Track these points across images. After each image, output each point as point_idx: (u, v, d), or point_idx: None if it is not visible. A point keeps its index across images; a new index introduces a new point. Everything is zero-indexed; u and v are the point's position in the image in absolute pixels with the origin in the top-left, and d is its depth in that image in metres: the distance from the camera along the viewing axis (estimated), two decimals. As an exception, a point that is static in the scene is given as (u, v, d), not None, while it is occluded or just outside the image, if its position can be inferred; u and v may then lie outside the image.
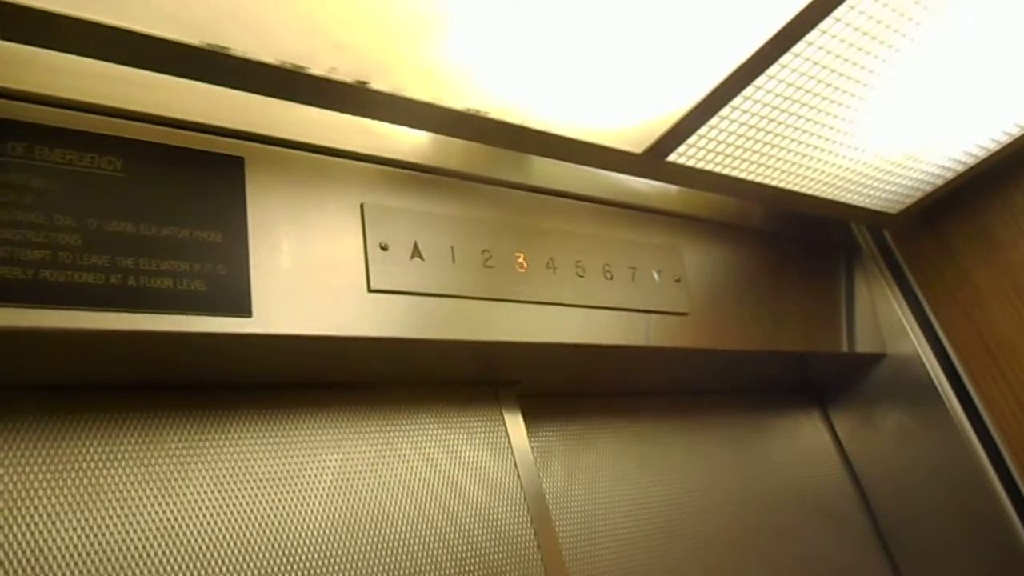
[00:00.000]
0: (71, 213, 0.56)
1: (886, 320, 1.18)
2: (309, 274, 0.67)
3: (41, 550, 0.57)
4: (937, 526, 1.12)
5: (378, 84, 0.65)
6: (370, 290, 0.70)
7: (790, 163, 0.92)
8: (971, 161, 1.03)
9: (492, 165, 0.83)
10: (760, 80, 0.76)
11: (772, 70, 0.75)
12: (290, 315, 0.64)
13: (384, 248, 0.72)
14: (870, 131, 0.90)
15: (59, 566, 0.58)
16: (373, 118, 0.70)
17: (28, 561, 0.57)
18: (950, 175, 1.05)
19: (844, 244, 1.23)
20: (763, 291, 1.06)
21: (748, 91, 0.77)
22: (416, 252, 0.74)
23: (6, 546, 0.56)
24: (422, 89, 0.67)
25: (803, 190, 0.98)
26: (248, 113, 0.67)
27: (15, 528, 0.57)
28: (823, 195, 1.01)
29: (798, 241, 1.16)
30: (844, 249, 1.23)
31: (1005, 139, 0.99)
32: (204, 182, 0.64)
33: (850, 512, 1.19)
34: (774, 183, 0.95)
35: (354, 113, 0.68)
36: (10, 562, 0.56)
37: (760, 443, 1.17)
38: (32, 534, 0.58)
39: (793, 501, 1.13)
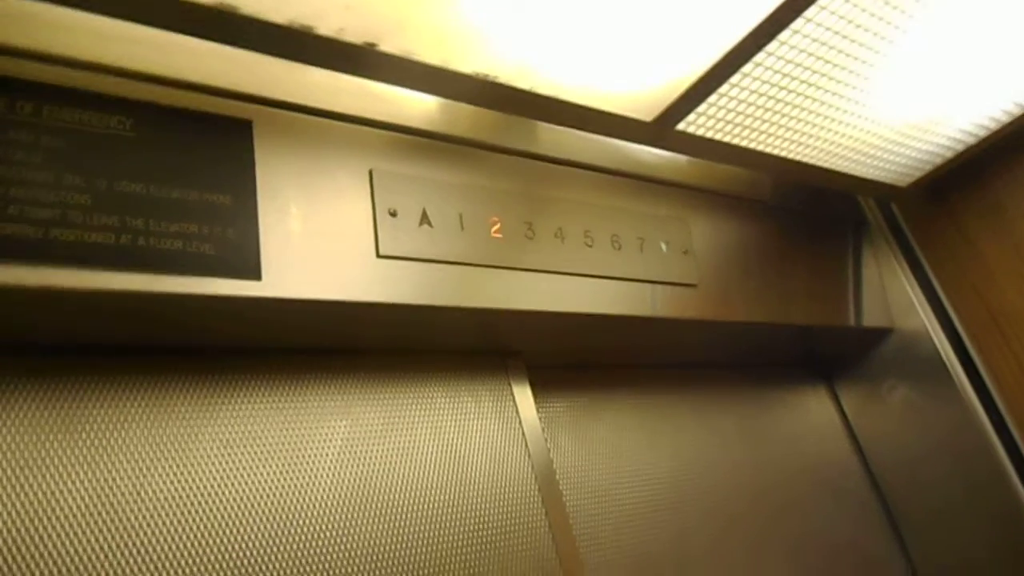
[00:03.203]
0: (81, 173, 0.56)
1: (893, 294, 1.17)
2: (318, 239, 0.67)
3: (52, 510, 0.58)
4: (942, 501, 1.12)
5: (387, 46, 0.64)
6: (379, 256, 0.70)
7: (800, 133, 0.91)
8: (982, 133, 1.02)
9: (502, 133, 0.83)
10: (772, 46, 0.75)
11: (784, 35, 0.74)
12: (299, 279, 0.64)
13: (393, 214, 0.72)
14: (881, 100, 0.89)
15: (69, 526, 0.58)
16: (381, 80, 0.69)
17: (39, 520, 0.57)
18: (960, 148, 1.04)
19: (852, 218, 1.23)
20: (771, 264, 1.06)
21: (759, 57, 0.76)
22: (425, 219, 0.74)
23: (17, 506, 0.57)
24: (431, 52, 0.66)
25: (812, 161, 0.98)
26: (257, 76, 0.67)
27: (26, 488, 0.57)
28: (832, 167, 1.00)
29: (806, 214, 1.16)
30: (852, 223, 1.22)
31: (1017, 111, 0.98)
32: (213, 145, 0.63)
33: (855, 486, 1.19)
34: (784, 154, 0.95)
35: (362, 75, 0.68)
36: (21, 522, 0.56)
37: (766, 417, 1.17)
38: (42, 494, 0.58)
39: (798, 474, 1.14)
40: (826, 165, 1.00)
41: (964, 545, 1.09)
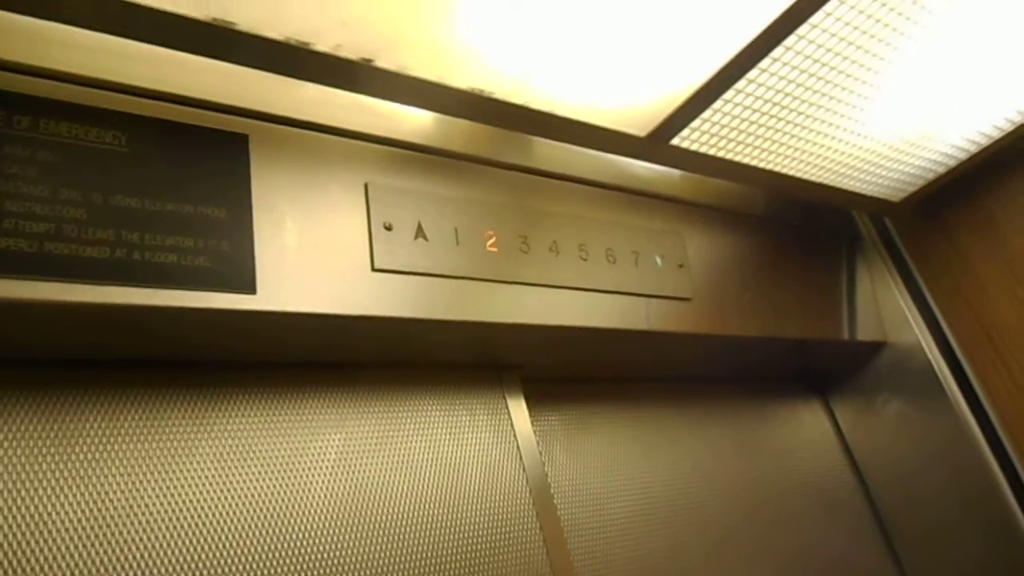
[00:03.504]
0: (76, 187, 0.56)
1: (887, 309, 1.18)
2: (313, 252, 0.67)
3: (46, 523, 0.57)
4: (936, 515, 1.12)
5: (383, 62, 0.65)
6: (374, 269, 0.70)
7: (793, 148, 0.92)
8: (974, 149, 1.02)
9: (496, 147, 0.83)
10: (765, 63, 0.76)
11: (777, 52, 0.75)
12: (294, 293, 0.64)
13: (388, 228, 0.72)
14: (874, 116, 0.90)
15: (62, 540, 0.58)
16: (377, 96, 0.70)
17: (33, 533, 0.57)
18: (953, 163, 1.05)
19: (846, 232, 1.23)
20: (765, 278, 1.06)
21: (752, 74, 0.77)
22: (420, 232, 0.74)
23: (10, 519, 0.56)
24: (427, 67, 0.67)
25: (806, 176, 0.98)
26: (253, 91, 0.67)
27: (19, 502, 0.57)
28: (826, 181, 1.01)
29: (800, 229, 1.16)
30: (846, 237, 1.23)
31: (1008, 127, 0.99)
32: (209, 159, 0.64)
33: (849, 499, 1.19)
34: (778, 168, 0.95)
35: (358, 91, 0.68)
36: (14, 535, 0.56)
37: (761, 430, 1.17)
38: (36, 507, 0.58)
39: (792, 488, 1.14)
40: (820, 180, 1.00)
41: (958, 559, 1.09)
